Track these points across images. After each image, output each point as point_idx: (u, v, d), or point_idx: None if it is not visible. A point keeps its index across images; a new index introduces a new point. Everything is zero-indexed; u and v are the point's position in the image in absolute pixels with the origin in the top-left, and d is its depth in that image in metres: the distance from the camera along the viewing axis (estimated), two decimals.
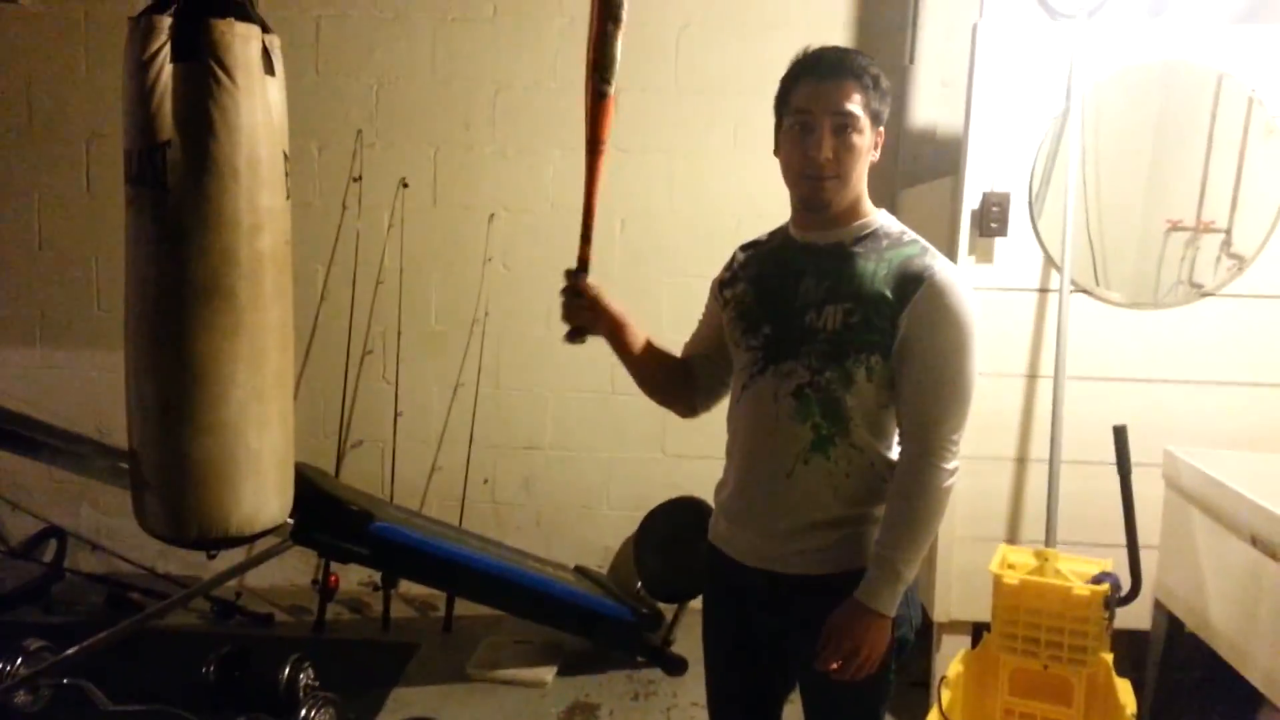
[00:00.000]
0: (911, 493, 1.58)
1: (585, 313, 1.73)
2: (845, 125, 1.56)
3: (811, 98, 1.58)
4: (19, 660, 2.69)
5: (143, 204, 2.04)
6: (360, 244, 3.61)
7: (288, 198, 2.19)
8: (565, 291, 1.73)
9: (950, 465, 1.57)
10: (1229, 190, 2.78)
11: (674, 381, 1.84)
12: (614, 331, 1.76)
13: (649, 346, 1.79)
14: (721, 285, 1.77)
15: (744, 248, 1.79)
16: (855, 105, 1.56)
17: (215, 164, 2.00)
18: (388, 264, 3.64)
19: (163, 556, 3.62)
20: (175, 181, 2.00)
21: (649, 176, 3.63)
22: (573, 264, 1.75)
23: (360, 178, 3.59)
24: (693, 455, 3.67)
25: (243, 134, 2.02)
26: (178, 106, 1.98)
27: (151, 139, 1.99)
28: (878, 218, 1.65)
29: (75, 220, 3.72)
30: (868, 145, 1.59)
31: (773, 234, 1.76)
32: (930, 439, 1.57)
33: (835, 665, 1.57)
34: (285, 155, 2.17)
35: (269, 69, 2.08)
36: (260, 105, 2.04)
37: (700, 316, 1.86)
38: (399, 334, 3.66)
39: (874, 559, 1.59)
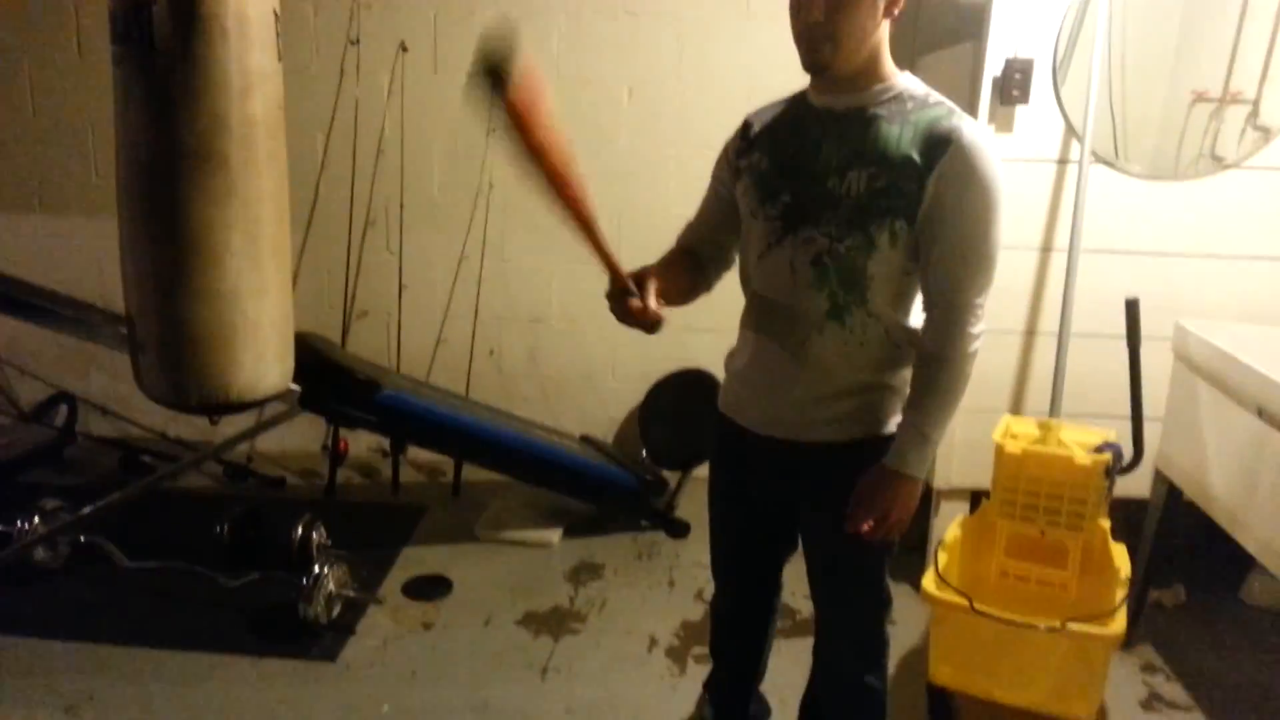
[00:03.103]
0: (939, 357, 1.57)
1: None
2: None
3: None
4: (36, 518, 2.77)
5: (130, 65, 1.98)
6: (360, 111, 3.52)
7: (279, 59, 2.11)
8: (615, 310, 1.57)
9: (976, 329, 1.56)
10: (1259, 59, 2.67)
11: (692, 283, 1.75)
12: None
13: (669, 273, 1.66)
14: (737, 154, 1.70)
15: (757, 114, 1.72)
16: None
17: (202, 22, 1.93)
18: (388, 132, 3.55)
19: (174, 421, 3.66)
20: (162, 41, 1.93)
21: (657, 42, 3.50)
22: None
23: (358, 41, 3.47)
24: (698, 328, 3.62)
25: None
26: None
27: None
28: (900, 80, 1.58)
29: (67, 85, 3.63)
30: (871, 3, 1.48)
31: (789, 100, 1.68)
32: (957, 304, 1.55)
33: (867, 527, 1.60)
34: (275, 14, 2.09)
35: None
36: None
37: (705, 193, 1.79)
38: (401, 205, 3.61)
39: (903, 424, 1.60)
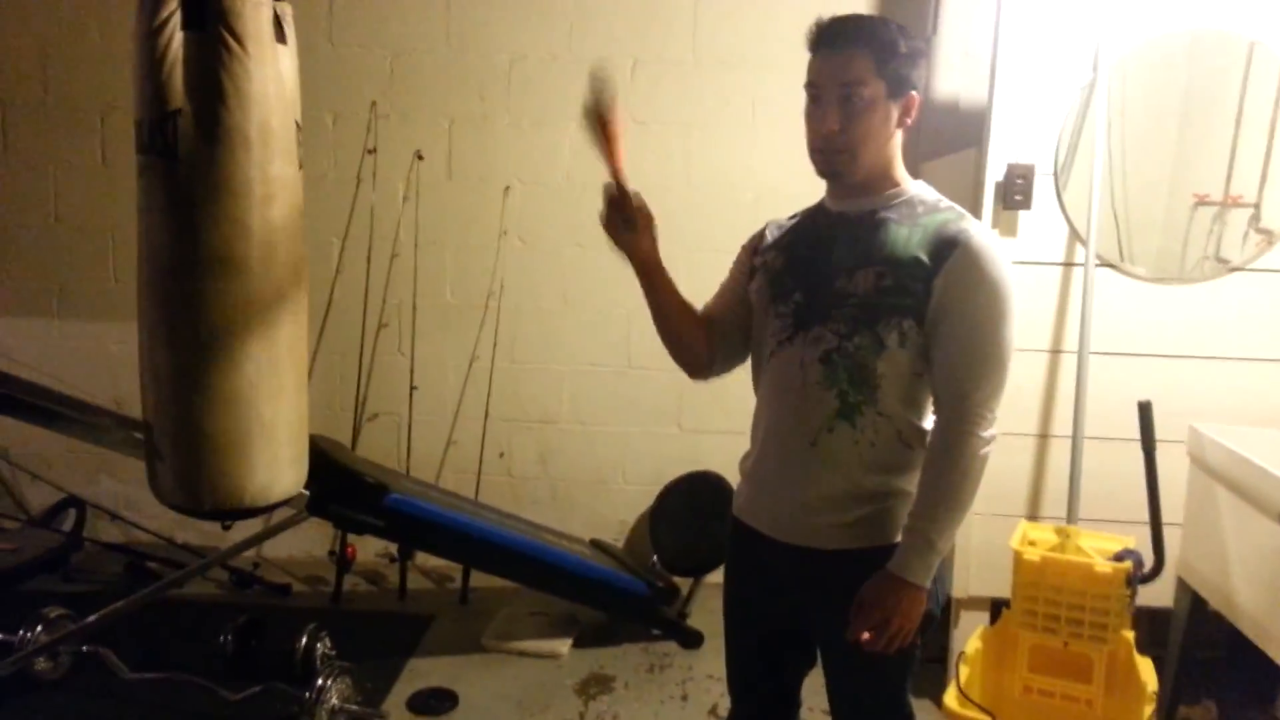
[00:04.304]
0: (946, 461, 1.55)
1: (630, 222, 1.61)
2: (850, 97, 1.52)
3: (819, 69, 1.56)
4: (39, 628, 2.72)
5: (154, 173, 2.03)
6: (375, 217, 3.59)
7: (300, 167, 2.17)
8: (609, 203, 1.61)
9: (986, 433, 1.54)
10: (1258, 164, 2.72)
11: (692, 334, 1.75)
12: (647, 259, 1.66)
13: (675, 291, 1.71)
14: (754, 252, 1.75)
15: (776, 221, 1.77)
16: (863, 74, 1.52)
17: (226, 132, 1.98)
18: (403, 237, 3.62)
19: (181, 526, 3.63)
20: (186, 150, 1.98)
21: (665, 150, 3.58)
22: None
23: (375, 150, 3.57)
24: (709, 430, 3.65)
25: (254, 102, 2.00)
26: (188, 75, 1.96)
27: (162, 108, 1.97)
28: (912, 186, 1.63)
29: (91, 193, 3.72)
30: (884, 114, 1.55)
31: (810, 208, 1.73)
32: (965, 406, 1.54)
33: (867, 636, 1.55)
34: (297, 125, 2.15)
35: (280, 37, 2.06)
36: (271, 74, 2.02)
37: (723, 281, 1.83)
38: (414, 308, 3.65)
39: (908, 528, 1.57)
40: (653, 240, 1.65)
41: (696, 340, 1.75)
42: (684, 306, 1.74)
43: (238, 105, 1.99)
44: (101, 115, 3.68)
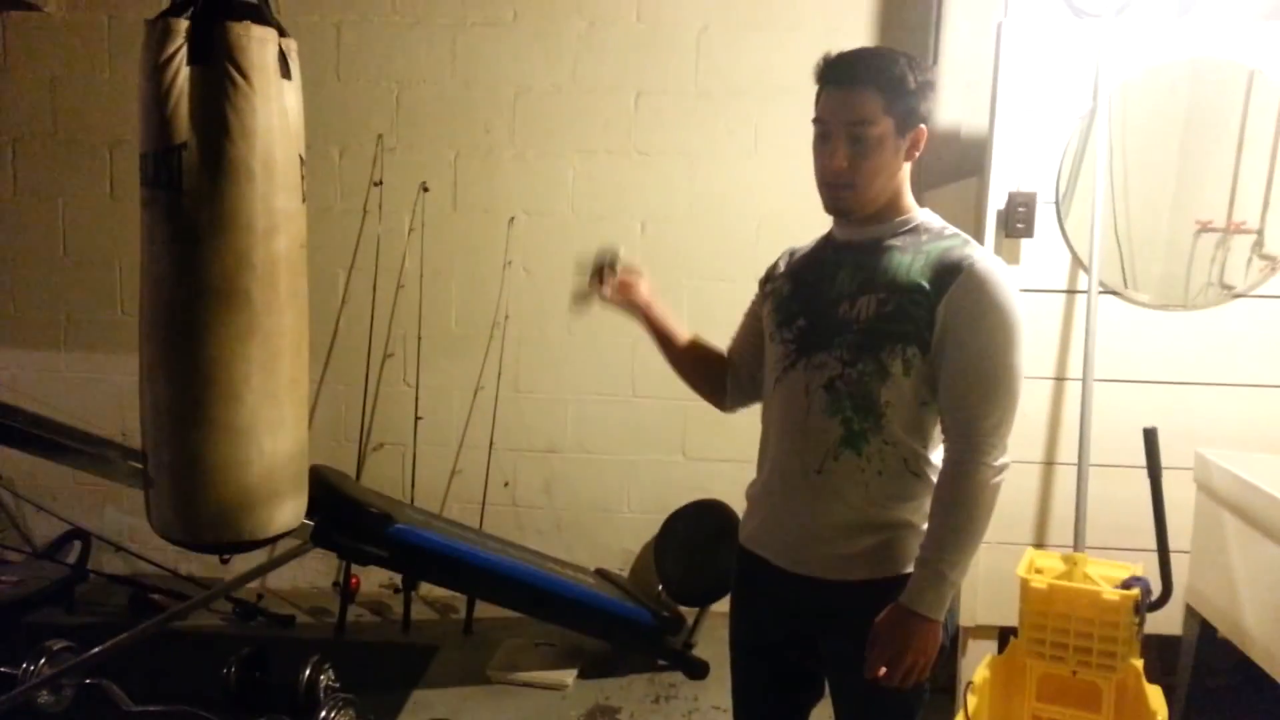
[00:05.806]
0: (957, 492, 1.53)
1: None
2: (859, 135, 1.52)
3: (827, 106, 1.56)
4: (42, 660, 2.71)
5: (158, 206, 2.04)
6: (381, 248, 3.62)
7: (304, 201, 2.18)
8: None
9: (997, 462, 1.52)
10: (1260, 190, 2.73)
11: (709, 373, 1.86)
12: (643, 314, 1.83)
13: (680, 338, 1.84)
14: (765, 281, 1.77)
15: (793, 247, 1.78)
16: (872, 113, 1.52)
17: (230, 166, 2.00)
18: (408, 267, 3.64)
19: (185, 558, 3.63)
20: (190, 183, 1.99)
21: (669, 180, 3.61)
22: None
23: (381, 182, 3.60)
24: (714, 458, 3.64)
25: (258, 136, 2.01)
26: (194, 109, 1.97)
27: (167, 141, 1.99)
28: (919, 215, 1.63)
29: (99, 225, 3.76)
30: (893, 150, 1.55)
31: (820, 237, 1.74)
32: (974, 435, 1.52)
33: (882, 672, 1.53)
34: (301, 158, 2.16)
35: (285, 72, 2.07)
36: (276, 108, 2.04)
37: (742, 317, 1.86)
38: (419, 338, 3.66)
39: (920, 561, 1.55)
40: (640, 292, 1.82)
41: (712, 377, 1.85)
42: (693, 352, 1.84)
43: (242, 139, 2.00)
44: (110, 149, 3.73)
